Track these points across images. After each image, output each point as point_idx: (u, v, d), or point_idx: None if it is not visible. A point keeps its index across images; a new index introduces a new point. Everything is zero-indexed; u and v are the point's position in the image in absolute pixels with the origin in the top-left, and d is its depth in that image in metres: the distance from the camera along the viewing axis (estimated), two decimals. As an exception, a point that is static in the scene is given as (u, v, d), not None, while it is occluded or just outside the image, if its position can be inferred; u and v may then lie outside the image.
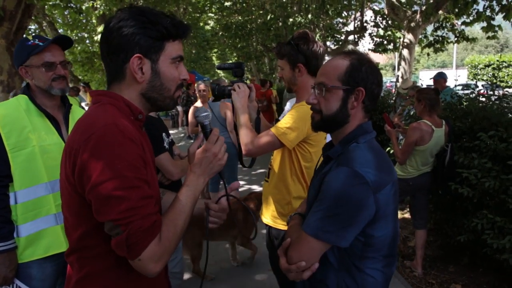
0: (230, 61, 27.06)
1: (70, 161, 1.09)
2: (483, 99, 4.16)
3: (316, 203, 1.29)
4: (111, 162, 1.04)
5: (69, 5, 11.16)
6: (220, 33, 18.20)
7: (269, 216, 2.29)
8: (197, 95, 5.69)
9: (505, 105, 3.88)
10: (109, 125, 1.08)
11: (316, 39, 2.20)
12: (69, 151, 1.11)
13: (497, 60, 25.93)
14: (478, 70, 27.05)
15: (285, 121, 2.05)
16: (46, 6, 11.54)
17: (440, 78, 6.66)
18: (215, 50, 26.52)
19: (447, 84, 6.82)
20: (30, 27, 12.81)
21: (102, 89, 1.28)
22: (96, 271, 1.17)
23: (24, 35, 6.21)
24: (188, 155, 1.31)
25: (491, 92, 4.11)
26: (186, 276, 3.85)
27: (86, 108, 6.57)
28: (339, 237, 1.26)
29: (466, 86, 4.81)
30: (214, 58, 31.96)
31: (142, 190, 1.08)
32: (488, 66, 26.70)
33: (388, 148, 4.88)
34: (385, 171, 1.30)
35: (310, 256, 1.30)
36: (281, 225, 2.22)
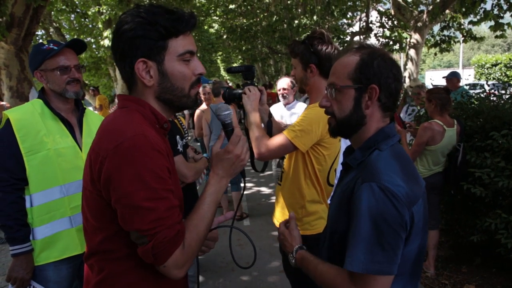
0: (235, 64, 27.06)
1: (96, 167, 1.09)
2: (494, 98, 4.14)
3: (353, 231, 1.13)
4: (139, 174, 1.04)
5: (75, 10, 11.28)
6: (225, 36, 18.20)
7: (282, 219, 2.25)
8: (202, 97, 5.71)
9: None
10: (138, 135, 1.07)
11: None
12: (94, 156, 1.10)
13: (510, 59, 25.59)
14: (485, 70, 26.82)
15: (298, 123, 2.00)
16: (52, 12, 11.66)
17: (453, 77, 6.45)
18: (220, 53, 26.57)
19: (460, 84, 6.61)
20: (37, 32, 12.92)
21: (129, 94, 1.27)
22: (116, 272, 1.17)
23: (32, 41, 6.26)
24: (211, 155, 1.30)
25: (503, 91, 4.07)
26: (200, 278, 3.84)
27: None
28: (391, 265, 1.11)
29: (473, 86, 4.78)
30: (218, 61, 32.03)
31: (168, 201, 1.09)
32: (495, 65, 26.45)
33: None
34: (414, 182, 1.18)
35: None
36: None
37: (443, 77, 6.67)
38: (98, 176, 1.09)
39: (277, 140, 1.99)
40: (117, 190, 1.05)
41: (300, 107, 4.78)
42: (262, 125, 2.10)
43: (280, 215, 2.28)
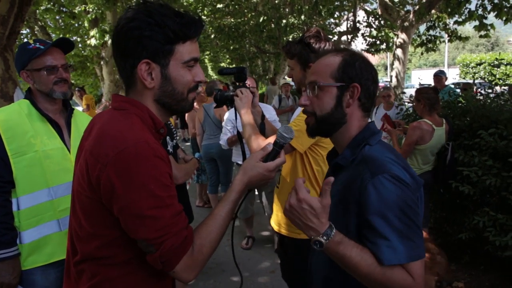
0: (223, 64, 26.97)
1: (94, 173, 1.06)
2: (481, 97, 4.20)
3: (380, 226, 1.09)
4: (144, 182, 1.03)
5: (61, 9, 11.10)
6: (213, 35, 18.10)
7: (282, 223, 2.21)
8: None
9: (502, 103, 3.92)
10: (140, 142, 1.05)
11: None
12: (93, 162, 1.07)
13: (496, 59, 25.97)
14: (470, 69, 27.23)
15: (295, 123, 1.96)
16: (38, 11, 11.45)
17: (442, 75, 6.66)
18: (208, 52, 26.35)
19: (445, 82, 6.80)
20: (22, 31, 12.69)
21: (125, 95, 1.24)
22: (112, 277, 1.15)
23: (17, 40, 6.12)
24: (243, 164, 1.30)
25: (489, 90, 4.13)
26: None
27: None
28: (423, 246, 1.13)
29: (459, 85, 4.85)
30: (206, 61, 31.82)
31: (173, 207, 1.09)
32: (480, 64, 26.89)
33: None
34: (411, 170, 1.21)
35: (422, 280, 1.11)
36: (296, 234, 2.13)
37: (434, 74, 6.78)
38: (98, 183, 1.05)
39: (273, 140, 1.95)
40: (121, 198, 1.03)
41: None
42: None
43: (279, 218, 2.25)
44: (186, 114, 5.83)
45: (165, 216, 1.05)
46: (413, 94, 3.94)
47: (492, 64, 26.12)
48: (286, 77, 17.95)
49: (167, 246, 1.05)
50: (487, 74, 25.96)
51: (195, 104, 5.72)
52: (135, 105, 1.17)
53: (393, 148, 1.31)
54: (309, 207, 1.09)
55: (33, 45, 1.93)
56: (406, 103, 5.72)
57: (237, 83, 2.05)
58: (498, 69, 25.67)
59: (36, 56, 1.90)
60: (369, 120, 1.35)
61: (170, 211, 1.07)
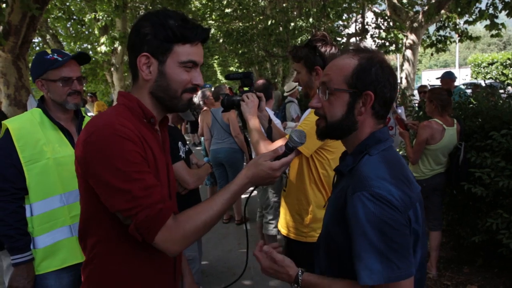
0: (232, 68, 27.06)
1: (78, 154, 1.19)
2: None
3: (360, 244, 1.07)
4: (108, 160, 1.12)
5: (71, 17, 11.28)
6: (221, 40, 18.20)
7: (290, 227, 2.22)
8: (205, 101, 5.74)
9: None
10: (107, 125, 1.15)
11: None
12: (78, 145, 1.20)
13: (509, 58, 25.48)
14: (482, 69, 26.82)
15: (301, 127, 1.97)
16: (49, 19, 11.64)
17: (448, 77, 6.25)
18: (216, 56, 26.45)
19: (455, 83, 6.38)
20: (34, 40, 12.88)
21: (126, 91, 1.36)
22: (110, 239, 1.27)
23: (29, 49, 6.24)
24: (253, 159, 1.33)
25: (501, 91, 4.08)
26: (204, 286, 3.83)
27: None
28: (410, 268, 1.07)
29: (470, 85, 4.78)
30: (215, 65, 31.95)
31: (143, 181, 1.14)
32: (492, 64, 26.48)
33: (398, 150, 4.85)
34: (406, 186, 1.13)
35: None
36: (303, 237, 2.15)
37: (437, 78, 6.41)
38: (80, 163, 1.19)
39: (280, 144, 1.91)
40: (93, 176, 1.15)
41: None
42: (263, 130, 2.08)
43: (286, 222, 2.25)
44: (200, 118, 5.83)
45: (133, 189, 1.12)
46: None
47: (504, 64, 25.70)
48: (292, 81, 17.94)
49: (141, 218, 1.12)
50: (499, 74, 25.55)
51: (204, 107, 5.74)
52: (125, 97, 1.29)
53: (396, 161, 1.21)
54: (273, 271, 1.36)
55: (51, 55, 1.96)
56: (416, 105, 5.66)
57: (244, 88, 2.07)
58: (511, 68, 25.27)
59: (54, 67, 1.94)
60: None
61: (139, 185, 1.13)
